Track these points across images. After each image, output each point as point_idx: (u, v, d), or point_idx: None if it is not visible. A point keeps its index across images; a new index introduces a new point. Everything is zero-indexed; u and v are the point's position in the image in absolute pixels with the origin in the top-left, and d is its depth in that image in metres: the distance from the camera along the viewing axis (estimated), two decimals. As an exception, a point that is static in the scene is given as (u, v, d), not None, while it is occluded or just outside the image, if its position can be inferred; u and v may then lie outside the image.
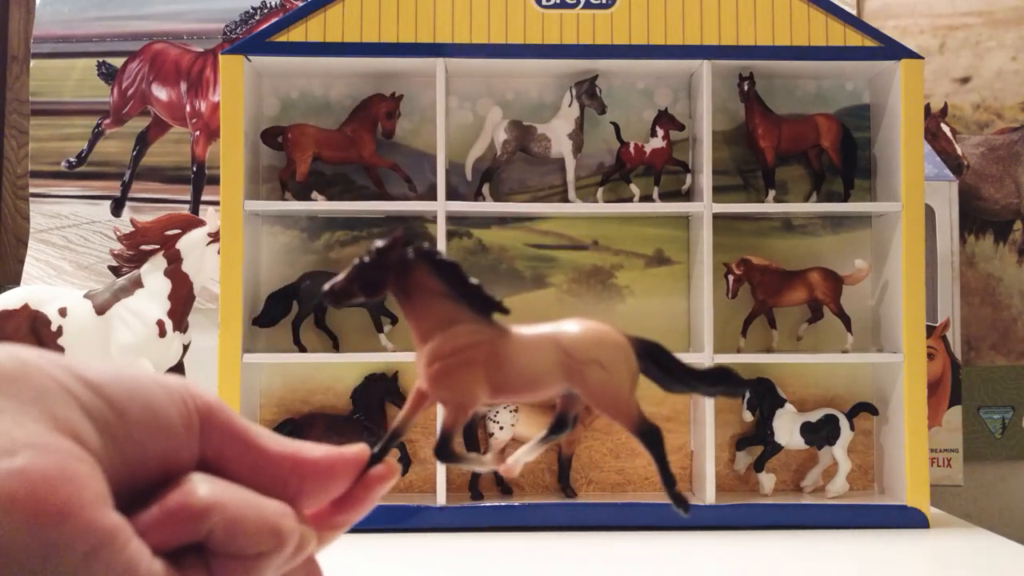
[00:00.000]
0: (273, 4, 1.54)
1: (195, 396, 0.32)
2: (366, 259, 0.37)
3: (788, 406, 1.11)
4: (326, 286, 0.37)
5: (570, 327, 0.39)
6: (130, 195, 1.55)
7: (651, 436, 0.41)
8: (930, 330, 1.34)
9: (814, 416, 1.11)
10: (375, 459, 0.36)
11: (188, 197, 1.55)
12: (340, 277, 0.37)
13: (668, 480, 0.42)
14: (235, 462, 0.32)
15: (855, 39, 1.10)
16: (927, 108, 1.55)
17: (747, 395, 1.11)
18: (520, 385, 0.39)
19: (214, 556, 0.30)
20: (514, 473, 0.42)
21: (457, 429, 0.38)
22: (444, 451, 0.38)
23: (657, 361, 0.41)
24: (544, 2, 1.10)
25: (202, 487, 0.30)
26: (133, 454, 0.30)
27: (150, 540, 0.29)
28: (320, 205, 1.11)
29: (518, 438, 1.10)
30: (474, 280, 0.38)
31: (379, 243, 0.37)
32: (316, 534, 0.36)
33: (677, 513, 0.41)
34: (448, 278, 0.38)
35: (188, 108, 1.56)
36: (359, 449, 0.36)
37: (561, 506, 1.07)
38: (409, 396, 0.39)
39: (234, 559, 0.31)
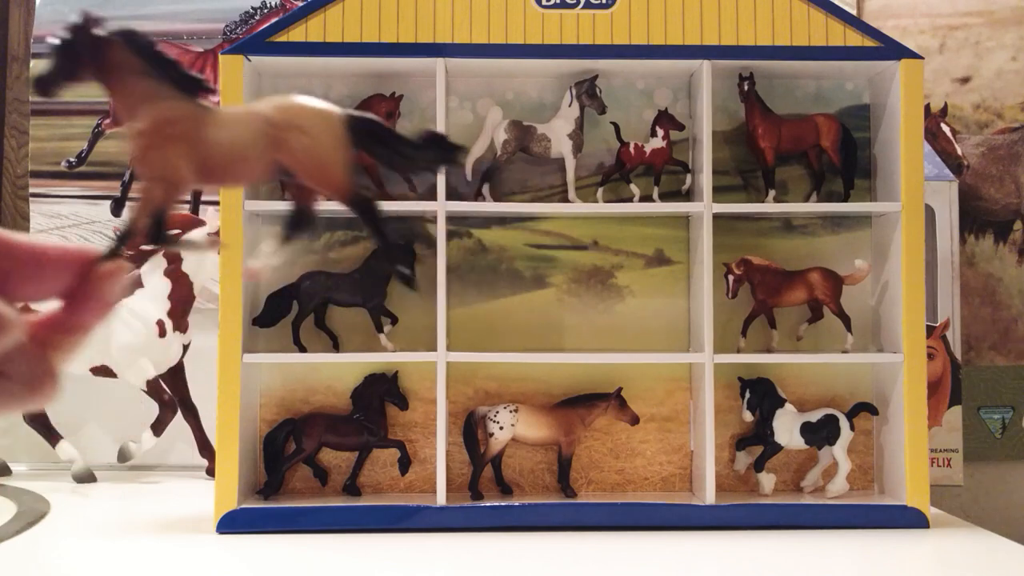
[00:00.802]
0: (273, 4, 1.54)
1: None
2: (65, 37, 0.37)
3: (788, 406, 1.11)
4: (36, 75, 0.37)
5: (274, 100, 0.40)
6: (130, 195, 1.55)
7: (362, 205, 0.42)
8: (930, 330, 1.34)
9: (814, 416, 1.11)
10: (107, 258, 0.36)
11: (188, 197, 1.55)
12: (49, 66, 0.38)
13: (385, 242, 0.43)
14: None
15: (855, 39, 1.10)
16: (927, 108, 1.55)
17: (747, 395, 1.11)
18: (227, 161, 0.38)
19: None
20: (259, 278, 0.43)
21: (167, 206, 0.38)
22: (158, 230, 0.38)
23: (374, 136, 0.41)
24: (544, 2, 1.10)
25: None
26: None
27: None
28: (320, 205, 1.11)
29: (518, 438, 1.10)
30: (173, 58, 0.38)
31: (73, 22, 0.38)
32: (29, 325, 0.36)
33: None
34: (146, 55, 0.38)
35: (188, 108, 1.56)
36: (86, 247, 0.36)
37: (561, 506, 1.07)
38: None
39: None
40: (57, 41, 0.37)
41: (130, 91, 0.38)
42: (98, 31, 0.37)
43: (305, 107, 0.38)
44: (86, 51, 0.37)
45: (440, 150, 0.41)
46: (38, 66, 1.57)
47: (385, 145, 0.41)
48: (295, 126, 0.38)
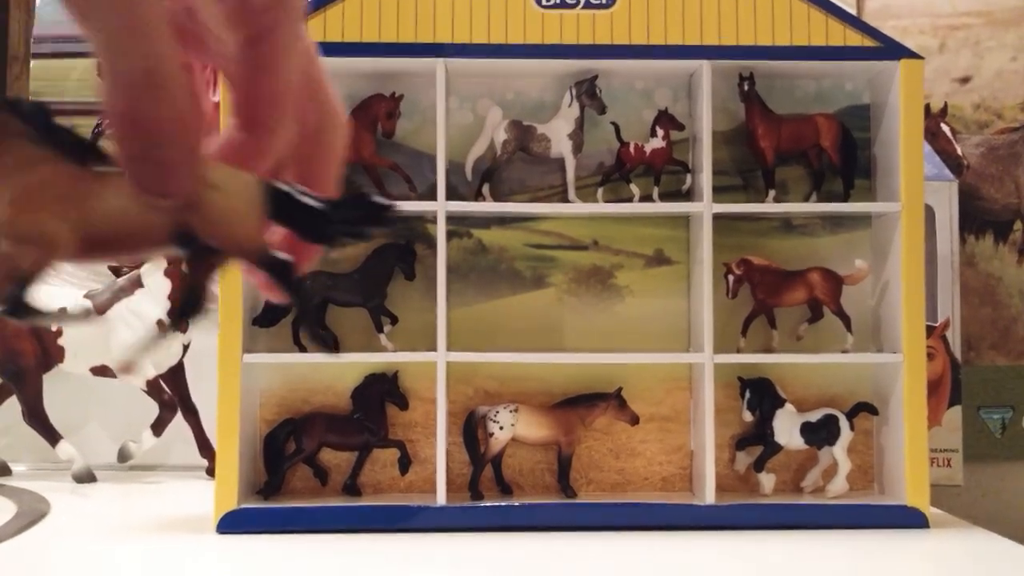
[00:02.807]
0: (273, 4, 1.54)
1: None
2: None
3: (788, 406, 1.11)
4: None
5: None
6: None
7: (277, 267, 0.36)
8: (930, 330, 1.34)
9: (814, 416, 1.11)
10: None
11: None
12: None
13: (300, 305, 0.39)
14: None
15: (855, 39, 1.10)
16: (927, 108, 1.55)
17: (747, 395, 1.11)
18: (120, 226, 0.33)
19: None
20: (131, 371, 0.39)
21: (36, 276, 0.33)
22: (17, 303, 0.33)
23: (290, 200, 0.36)
24: (544, 2, 1.10)
25: None
26: None
27: None
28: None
29: (518, 438, 1.10)
30: (64, 123, 0.34)
31: None
32: None
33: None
34: (33, 120, 0.34)
35: (188, 108, 1.56)
36: None
37: (561, 506, 1.07)
38: None
39: None
40: None
41: (10, 157, 0.33)
42: None
43: (220, 166, 0.34)
44: None
45: (365, 210, 0.37)
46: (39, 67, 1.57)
47: (303, 212, 0.36)
48: (207, 184, 0.33)
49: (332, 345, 1.11)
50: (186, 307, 0.37)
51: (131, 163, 0.32)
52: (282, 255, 0.36)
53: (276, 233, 0.36)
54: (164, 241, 0.34)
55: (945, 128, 1.55)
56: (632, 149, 1.14)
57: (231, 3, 0.33)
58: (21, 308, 0.33)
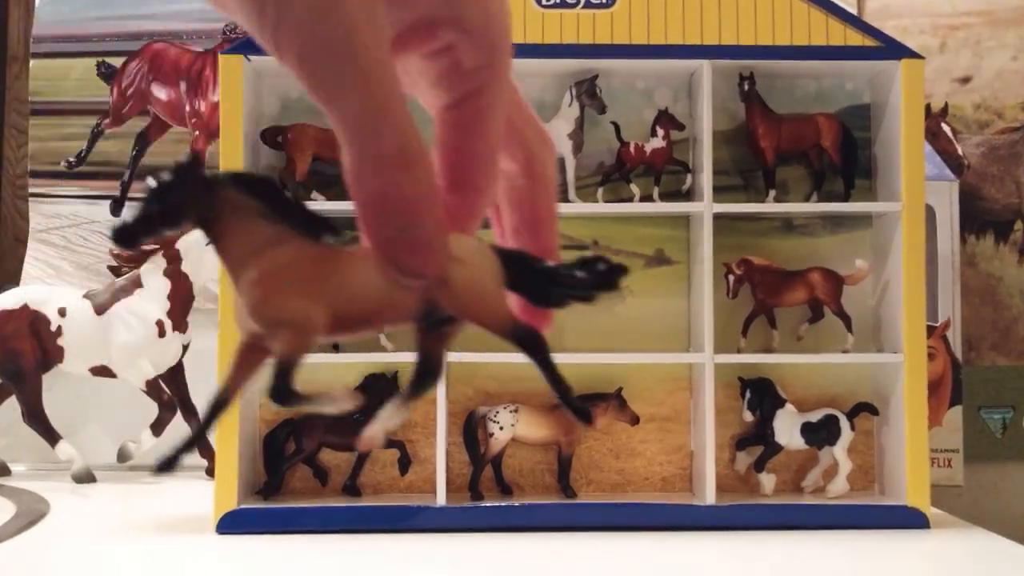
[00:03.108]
0: (273, 4, 1.54)
1: None
2: (166, 180, 0.31)
3: (788, 406, 1.10)
4: (116, 224, 0.31)
5: None
6: (130, 195, 1.55)
7: (530, 340, 0.35)
8: (931, 330, 1.34)
9: (814, 416, 1.10)
10: (168, 464, 0.32)
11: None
12: (133, 210, 0.31)
13: (561, 389, 0.35)
14: None
15: (855, 39, 1.09)
16: (928, 108, 1.55)
17: (747, 395, 1.11)
18: (367, 305, 0.32)
19: None
20: (375, 445, 0.35)
21: (296, 360, 0.32)
22: (281, 390, 0.32)
23: (521, 265, 0.36)
24: (544, 2, 1.10)
25: None
26: None
27: None
28: (320, 205, 1.11)
29: (518, 438, 1.10)
30: (293, 198, 0.33)
31: (180, 161, 0.32)
32: None
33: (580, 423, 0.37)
34: (263, 195, 0.32)
35: (188, 108, 1.56)
36: None
37: (561, 506, 1.06)
38: (234, 356, 0.33)
39: None
40: (155, 185, 0.31)
41: (245, 236, 0.32)
42: (205, 172, 0.32)
43: (459, 237, 0.33)
44: (191, 195, 0.31)
45: (597, 275, 0.35)
46: (37, 66, 1.57)
47: (536, 278, 0.35)
48: (454, 257, 0.32)
49: (333, 346, 1.11)
50: (422, 378, 0.35)
51: (386, 244, 0.32)
52: (529, 326, 0.35)
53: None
54: (410, 317, 0.33)
55: (946, 128, 1.55)
56: (632, 149, 1.14)
57: (443, 65, 0.33)
58: (288, 395, 0.32)
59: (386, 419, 0.35)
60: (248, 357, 0.33)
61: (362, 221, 0.32)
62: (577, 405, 0.36)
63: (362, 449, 0.32)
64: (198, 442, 0.33)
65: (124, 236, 0.31)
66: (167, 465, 0.32)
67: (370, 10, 0.30)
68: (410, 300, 0.33)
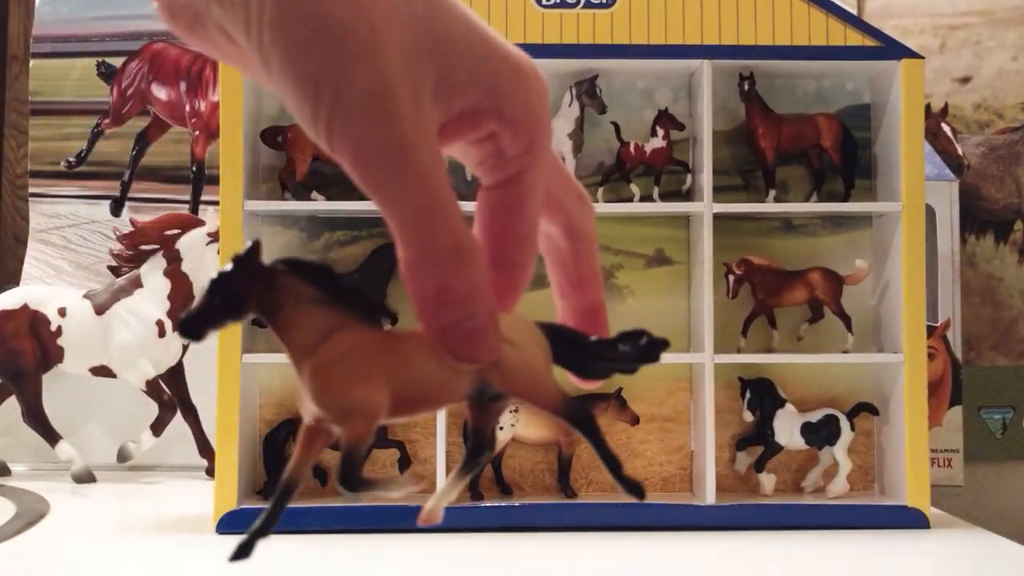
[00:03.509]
0: (273, 4, 1.54)
1: None
2: (226, 271, 0.32)
3: (788, 406, 1.10)
4: (183, 315, 0.32)
5: None
6: (130, 195, 1.55)
7: (581, 418, 0.37)
8: (931, 330, 1.34)
9: (814, 416, 1.10)
10: (244, 550, 0.33)
11: (188, 197, 1.55)
12: (195, 302, 0.32)
13: (612, 464, 0.37)
14: None
15: (855, 39, 1.09)
16: (927, 108, 1.55)
17: (747, 395, 1.11)
18: (425, 387, 0.34)
19: None
20: (436, 519, 0.36)
21: (362, 446, 0.33)
22: (350, 477, 0.32)
23: (564, 340, 0.37)
24: (544, 2, 1.10)
25: None
26: None
27: None
28: (320, 205, 1.11)
29: (518, 438, 1.10)
30: (348, 283, 0.34)
31: (239, 253, 0.32)
32: None
33: (632, 498, 0.37)
34: (320, 283, 0.33)
35: (188, 108, 1.56)
36: None
37: (561, 506, 1.06)
38: (298, 438, 0.34)
39: None
40: (217, 277, 0.31)
41: (306, 324, 0.32)
42: (272, 262, 0.32)
43: (506, 319, 0.35)
44: (250, 286, 0.32)
45: (639, 349, 0.37)
46: (39, 67, 1.57)
47: (580, 352, 0.37)
48: (503, 339, 0.34)
49: None
50: (477, 451, 0.37)
51: (443, 334, 0.33)
52: (579, 403, 0.37)
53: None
54: (464, 396, 0.35)
55: (946, 128, 1.55)
56: (632, 149, 1.14)
57: (486, 152, 0.35)
58: (357, 482, 0.33)
59: (445, 493, 0.37)
60: (313, 440, 0.34)
61: (419, 313, 0.33)
62: (630, 482, 0.37)
63: (422, 523, 0.35)
64: (273, 524, 0.34)
65: (190, 330, 0.32)
66: (243, 552, 0.34)
67: (419, 109, 0.32)
68: (465, 381, 0.34)
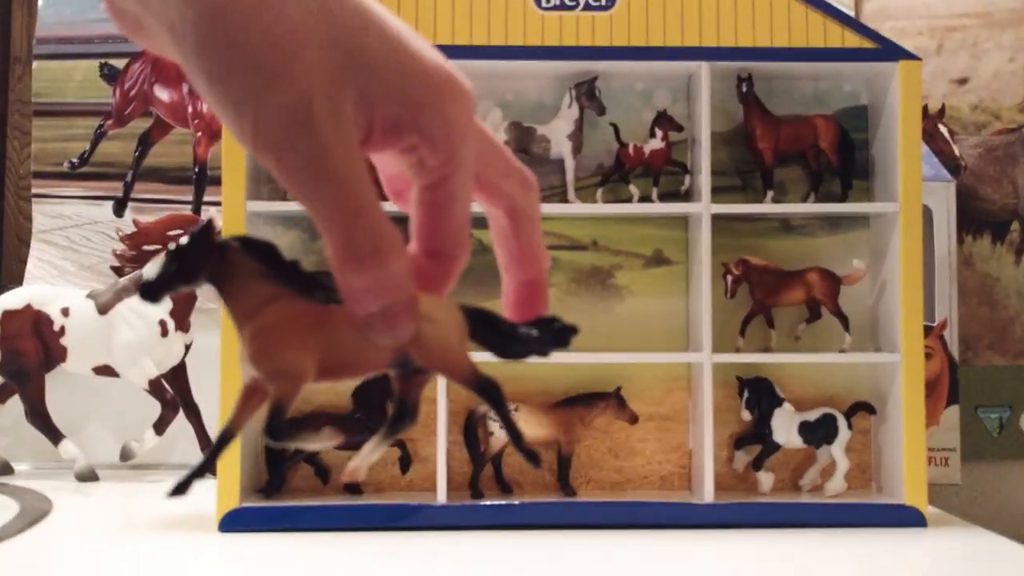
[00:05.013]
0: (274, 5, 1.55)
1: None
2: (183, 244, 0.36)
3: (786, 405, 1.11)
4: (143, 281, 0.36)
5: None
6: (132, 196, 1.56)
7: (489, 390, 0.42)
8: (928, 330, 1.34)
9: (812, 415, 1.11)
10: (180, 489, 0.37)
11: (190, 198, 1.56)
12: (153, 269, 0.37)
13: (515, 436, 0.42)
14: None
15: (853, 40, 1.10)
16: (925, 109, 1.55)
17: (746, 394, 1.12)
18: (349, 357, 0.38)
19: None
20: (359, 476, 0.40)
21: (288, 403, 0.37)
22: (274, 428, 0.37)
23: (485, 323, 0.41)
24: (544, 4, 1.10)
25: None
26: None
27: None
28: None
29: (518, 437, 1.10)
30: (291, 259, 0.38)
31: (195, 229, 0.37)
32: None
33: (530, 466, 0.42)
34: (265, 258, 0.37)
35: (190, 109, 1.57)
36: None
37: (561, 505, 1.07)
38: (238, 395, 0.38)
39: None
40: (175, 248, 0.36)
41: (250, 293, 0.37)
42: (216, 239, 0.37)
43: (427, 297, 0.38)
44: (204, 257, 0.37)
45: (551, 334, 0.41)
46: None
47: (497, 333, 0.41)
48: (424, 316, 0.37)
49: None
50: (399, 419, 0.41)
51: (369, 319, 0.36)
52: (488, 377, 0.41)
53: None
54: (384, 366, 0.38)
55: (943, 129, 1.56)
56: (631, 150, 1.15)
57: (411, 161, 0.37)
58: (280, 433, 0.37)
59: (367, 455, 0.40)
60: (250, 397, 0.38)
61: (345, 300, 0.36)
62: (528, 451, 0.41)
63: (346, 481, 0.40)
64: (207, 470, 0.38)
65: (147, 292, 0.36)
66: (180, 490, 0.37)
67: (338, 120, 0.34)
68: (386, 354, 0.38)
